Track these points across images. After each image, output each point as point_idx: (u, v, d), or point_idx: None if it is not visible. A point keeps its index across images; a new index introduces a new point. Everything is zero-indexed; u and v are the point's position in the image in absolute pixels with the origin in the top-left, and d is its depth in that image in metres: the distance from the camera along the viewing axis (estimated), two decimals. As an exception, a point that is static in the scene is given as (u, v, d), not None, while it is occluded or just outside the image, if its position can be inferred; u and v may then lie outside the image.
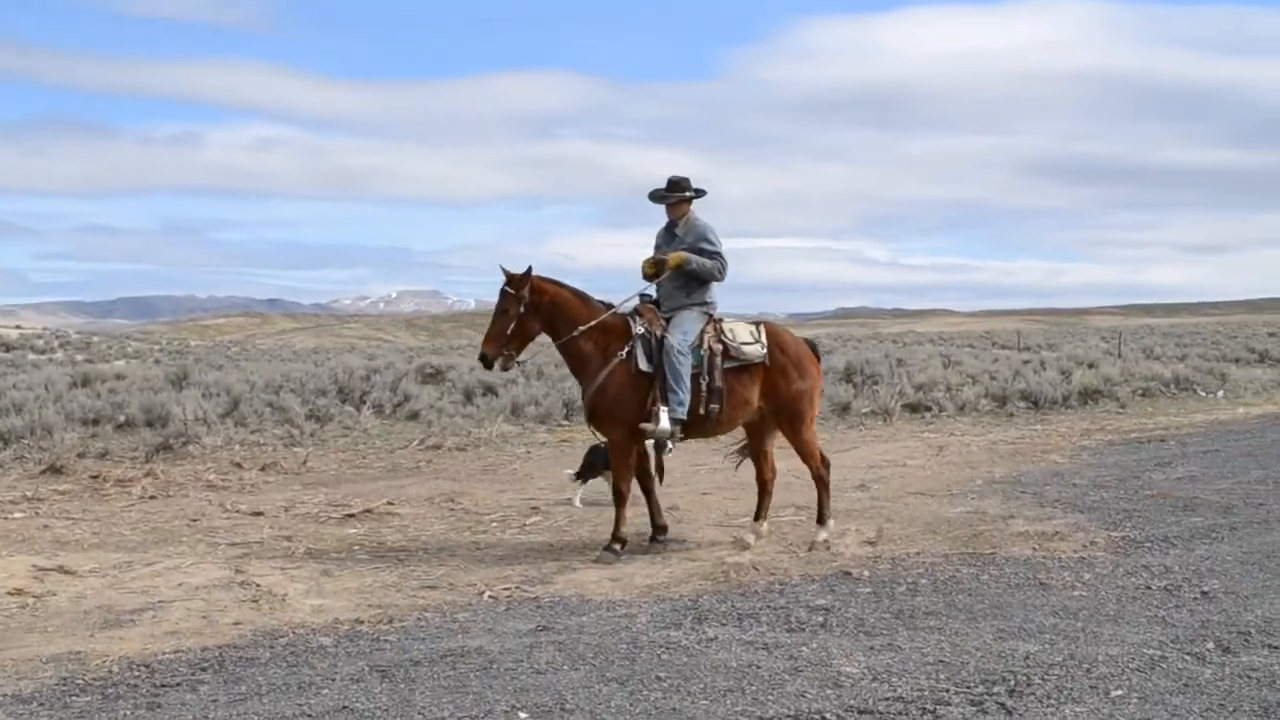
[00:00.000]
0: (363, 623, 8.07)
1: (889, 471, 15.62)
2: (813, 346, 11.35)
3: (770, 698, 6.34)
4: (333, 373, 25.29)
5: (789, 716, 6.05)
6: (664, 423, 10.27)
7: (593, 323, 10.55)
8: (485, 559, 10.27)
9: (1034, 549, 10.35)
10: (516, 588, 9.10)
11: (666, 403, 10.30)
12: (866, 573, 9.51)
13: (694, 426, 10.55)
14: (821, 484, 11.07)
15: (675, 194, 10.94)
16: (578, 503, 12.97)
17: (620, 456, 10.59)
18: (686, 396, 10.33)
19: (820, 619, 8.01)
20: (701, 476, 15.25)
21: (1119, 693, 6.39)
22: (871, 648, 7.30)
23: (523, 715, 6.09)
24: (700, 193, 10.97)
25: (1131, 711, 6.08)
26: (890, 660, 7.02)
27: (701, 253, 10.68)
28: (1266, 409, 26.28)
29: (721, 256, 10.76)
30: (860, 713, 6.09)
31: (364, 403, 22.74)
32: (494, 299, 10.68)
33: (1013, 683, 6.54)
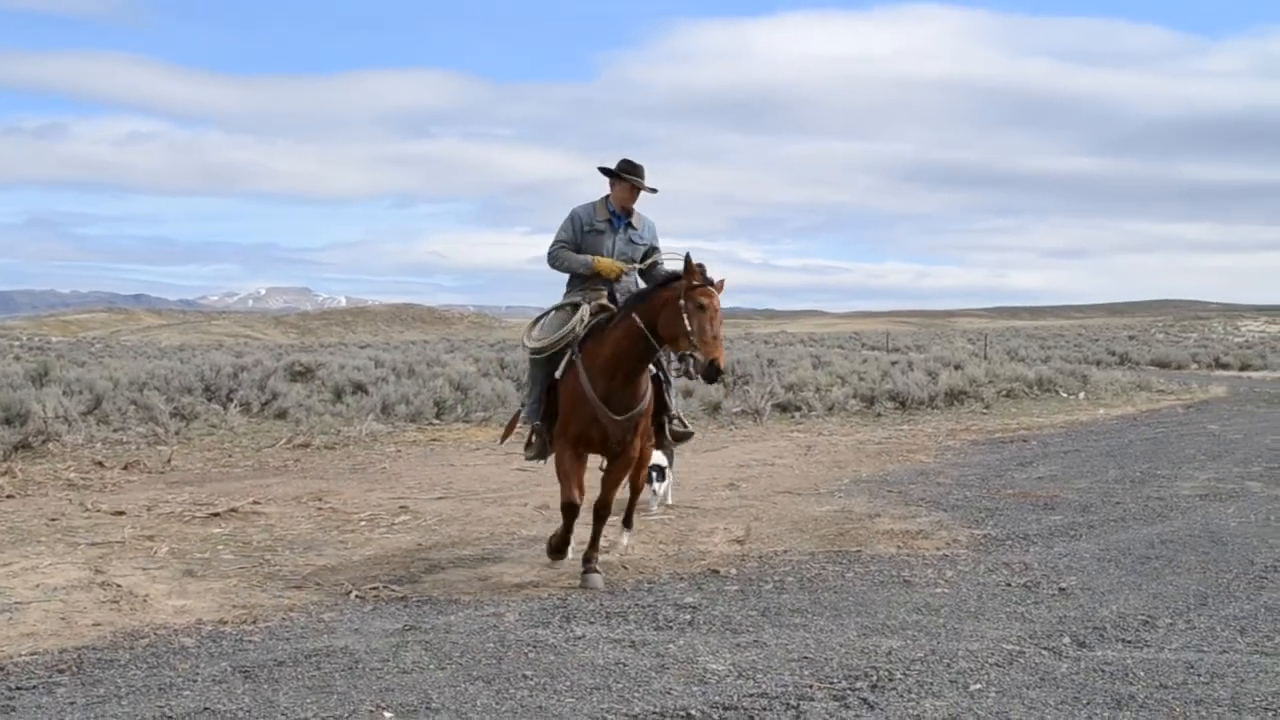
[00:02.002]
0: (226, 623, 7.95)
1: (758, 471, 15.76)
2: None
3: (636, 695, 6.37)
4: (199, 370, 24.93)
5: (655, 714, 6.07)
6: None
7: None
8: (353, 558, 10.17)
9: (898, 547, 10.52)
10: (384, 587, 9.03)
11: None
12: (734, 571, 9.59)
13: None
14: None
15: (639, 178, 9.75)
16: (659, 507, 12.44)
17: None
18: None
19: (688, 617, 8.06)
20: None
21: (978, 687, 6.51)
22: (738, 645, 7.36)
23: (387, 715, 6.05)
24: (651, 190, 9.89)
25: (989, 705, 6.19)
26: (756, 657, 7.08)
27: (654, 256, 9.88)
28: (1125, 410, 26.95)
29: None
30: (725, 709, 6.14)
31: (231, 400, 22.44)
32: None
33: (875, 678, 6.63)
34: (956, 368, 31.49)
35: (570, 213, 9.91)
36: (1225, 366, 57.57)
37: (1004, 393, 28.59)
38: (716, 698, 6.31)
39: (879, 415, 24.25)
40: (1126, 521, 11.81)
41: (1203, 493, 13.79)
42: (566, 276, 9.97)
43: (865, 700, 6.26)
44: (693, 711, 6.09)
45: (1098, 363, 50.62)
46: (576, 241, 9.82)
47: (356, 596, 8.76)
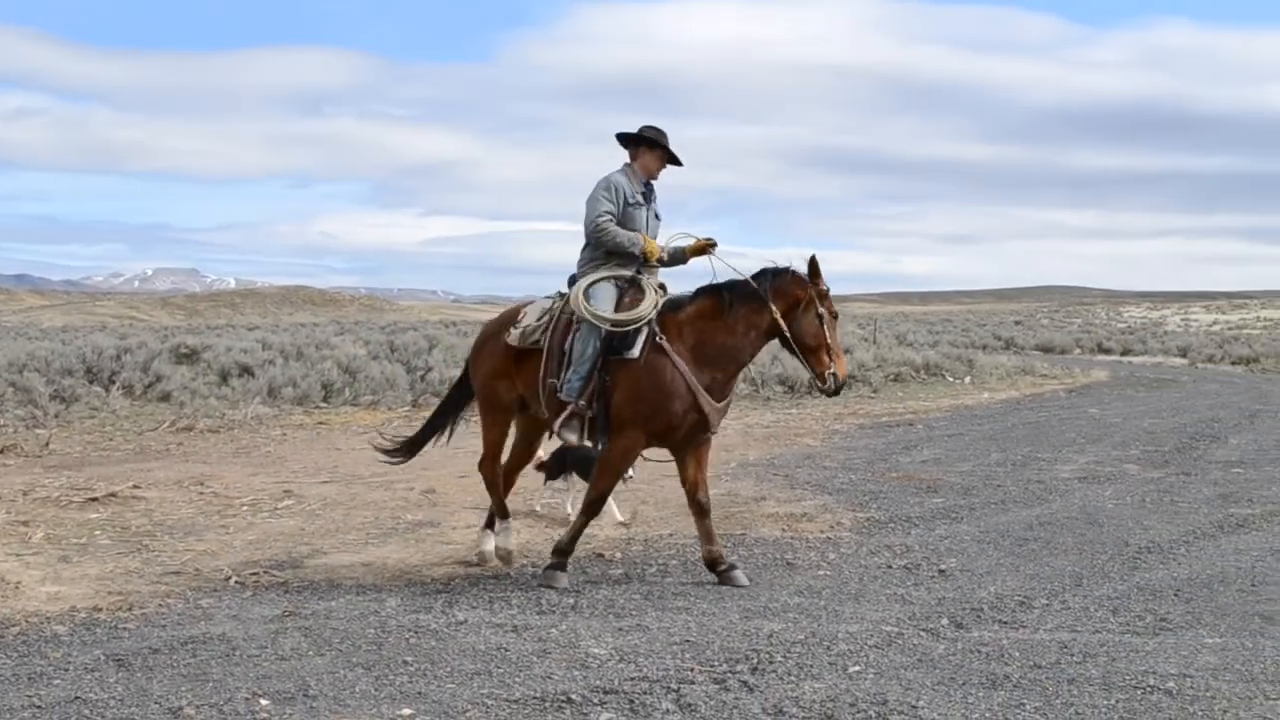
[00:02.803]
0: (101, 610, 7.81)
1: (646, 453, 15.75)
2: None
3: (517, 680, 6.35)
4: (80, 352, 24.43)
5: (535, 698, 6.06)
6: None
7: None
8: (234, 544, 10.04)
9: (783, 530, 10.60)
10: (265, 572, 8.92)
11: None
12: (619, 555, 9.62)
13: None
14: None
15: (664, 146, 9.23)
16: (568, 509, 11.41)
17: None
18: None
19: (571, 601, 8.07)
20: (461, 459, 15.16)
21: (856, 668, 6.58)
22: (620, 629, 7.37)
23: (264, 702, 5.97)
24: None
25: (867, 687, 6.25)
26: (638, 641, 7.10)
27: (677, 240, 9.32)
28: (1009, 394, 27.39)
29: None
30: (606, 693, 6.14)
31: (113, 383, 22.05)
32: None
33: (755, 661, 6.68)
34: (846, 352, 31.74)
35: (608, 181, 9.10)
36: (1107, 351, 58.76)
37: (892, 377, 28.91)
38: (597, 681, 6.31)
39: (767, 400, 24.41)
40: (1007, 504, 12.00)
41: (1081, 475, 14.06)
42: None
43: (745, 683, 6.30)
44: (573, 695, 6.08)
45: (984, 348, 51.38)
46: (618, 215, 9.01)
47: (236, 582, 8.64)
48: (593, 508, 8.89)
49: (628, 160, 9.27)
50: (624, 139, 9.27)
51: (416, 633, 7.24)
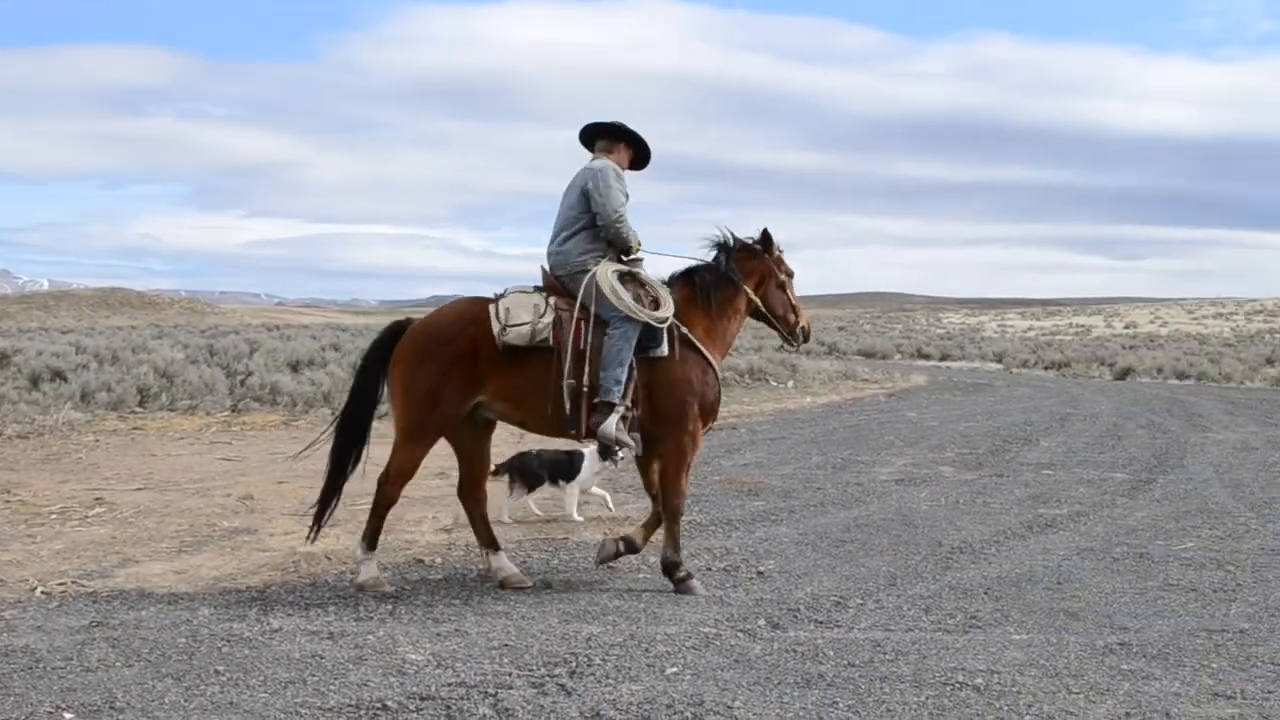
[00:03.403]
0: (-103, 623, 7.52)
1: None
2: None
3: (332, 688, 6.26)
4: (-120, 356, 23.52)
5: (350, 706, 5.98)
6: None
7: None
8: (41, 553, 9.72)
9: (605, 533, 10.61)
10: (72, 582, 8.67)
11: None
12: (439, 560, 9.55)
13: None
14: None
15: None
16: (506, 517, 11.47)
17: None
18: None
19: (389, 607, 7.98)
20: (280, 465, 14.93)
21: (674, 670, 6.62)
22: (439, 634, 7.31)
23: (68, 716, 5.80)
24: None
25: (684, 688, 6.30)
26: (456, 646, 7.05)
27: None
28: (831, 398, 27.85)
29: None
30: (423, 699, 6.08)
31: (-85, 388, 21.24)
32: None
33: (574, 664, 6.68)
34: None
35: (618, 171, 8.91)
36: (927, 357, 60.12)
37: (716, 381, 29.13)
38: (414, 688, 6.25)
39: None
40: (826, 506, 12.19)
41: (898, 478, 14.34)
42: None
43: (563, 686, 6.29)
44: (389, 703, 6.01)
45: (807, 353, 52.13)
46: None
47: (42, 593, 8.38)
48: (678, 509, 8.80)
49: (604, 153, 9.06)
50: (605, 131, 9.13)
51: (229, 641, 7.09)
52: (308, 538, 9.07)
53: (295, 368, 27.07)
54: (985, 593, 8.53)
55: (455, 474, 13.90)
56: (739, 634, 7.38)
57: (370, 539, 8.77)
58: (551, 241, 8.95)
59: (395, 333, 8.90)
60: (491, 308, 8.56)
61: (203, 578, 8.95)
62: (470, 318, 8.63)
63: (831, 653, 6.97)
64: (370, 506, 8.91)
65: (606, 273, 8.61)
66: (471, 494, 9.12)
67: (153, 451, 16.21)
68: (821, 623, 7.69)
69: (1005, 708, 6.03)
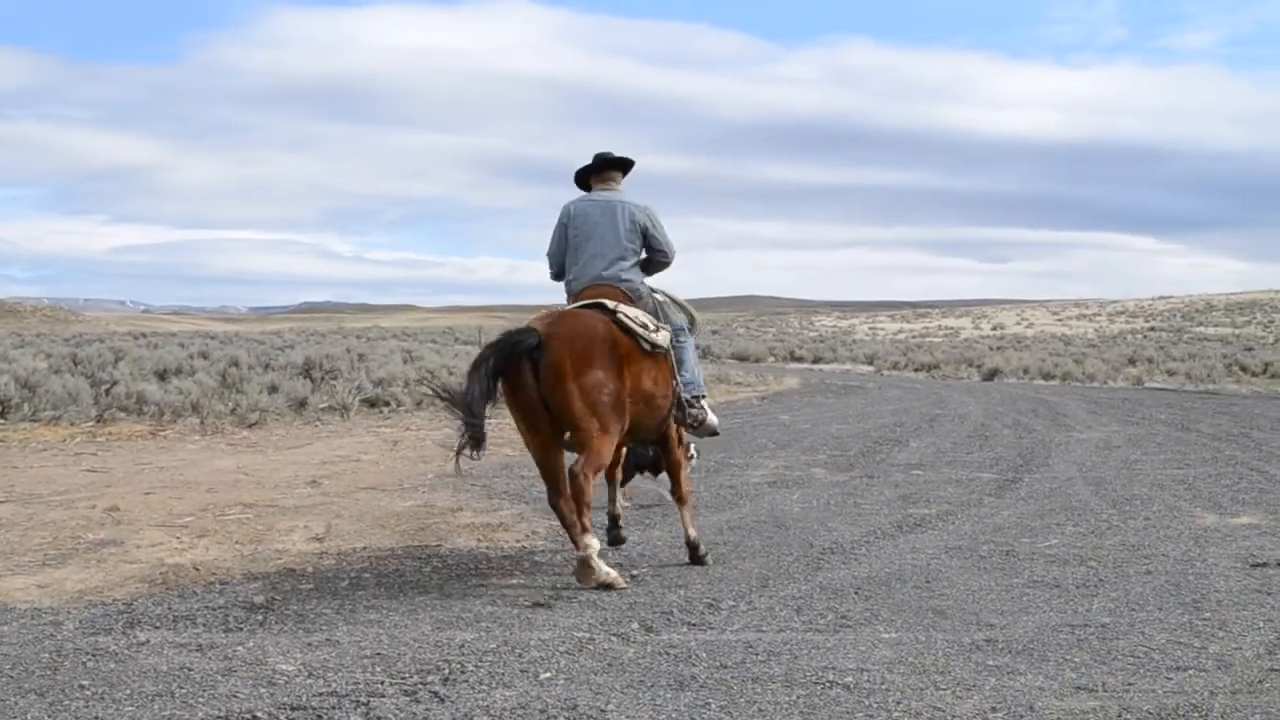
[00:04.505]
0: None
1: (342, 467, 15.58)
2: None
3: (200, 700, 6.17)
4: None
5: (219, 718, 5.90)
6: None
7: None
8: (-103, 569, 9.47)
9: (479, 540, 10.60)
10: (-70, 598, 8.46)
11: None
12: (310, 568, 9.45)
13: None
14: None
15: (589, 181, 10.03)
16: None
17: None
18: None
19: (260, 617, 7.88)
20: (147, 475, 14.69)
21: (547, 675, 6.62)
22: (310, 644, 7.24)
23: (-75, 734, 5.67)
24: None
25: (558, 692, 6.30)
26: (328, 655, 6.99)
27: None
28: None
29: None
30: (294, 709, 6.02)
31: None
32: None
33: (447, 671, 6.65)
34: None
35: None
36: (800, 360, 60.74)
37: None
38: (285, 698, 6.19)
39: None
40: (699, 509, 12.23)
41: (771, 480, 14.48)
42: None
43: (436, 694, 6.27)
44: (259, 713, 5.94)
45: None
46: None
47: (-102, 609, 8.17)
48: (689, 494, 10.01)
49: (615, 184, 9.95)
50: (621, 163, 9.99)
51: (95, 655, 6.96)
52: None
53: (163, 376, 26.64)
54: (855, 592, 8.65)
55: (328, 483, 13.84)
56: (612, 638, 7.40)
57: (586, 530, 8.85)
58: (608, 267, 9.60)
59: (527, 344, 8.88)
60: (617, 317, 9.18)
61: (67, 591, 8.76)
62: (608, 324, 9.11)
63: (704, 655, 7.01)
64: (573, 504, 8.86)
65: (658, 289, 9.94)
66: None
67: (14, 463, 15.84)
68: (694, 625, 7.74)
69: (875, 705, 6.12)
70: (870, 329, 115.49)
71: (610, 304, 9.30)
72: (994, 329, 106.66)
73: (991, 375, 43.70)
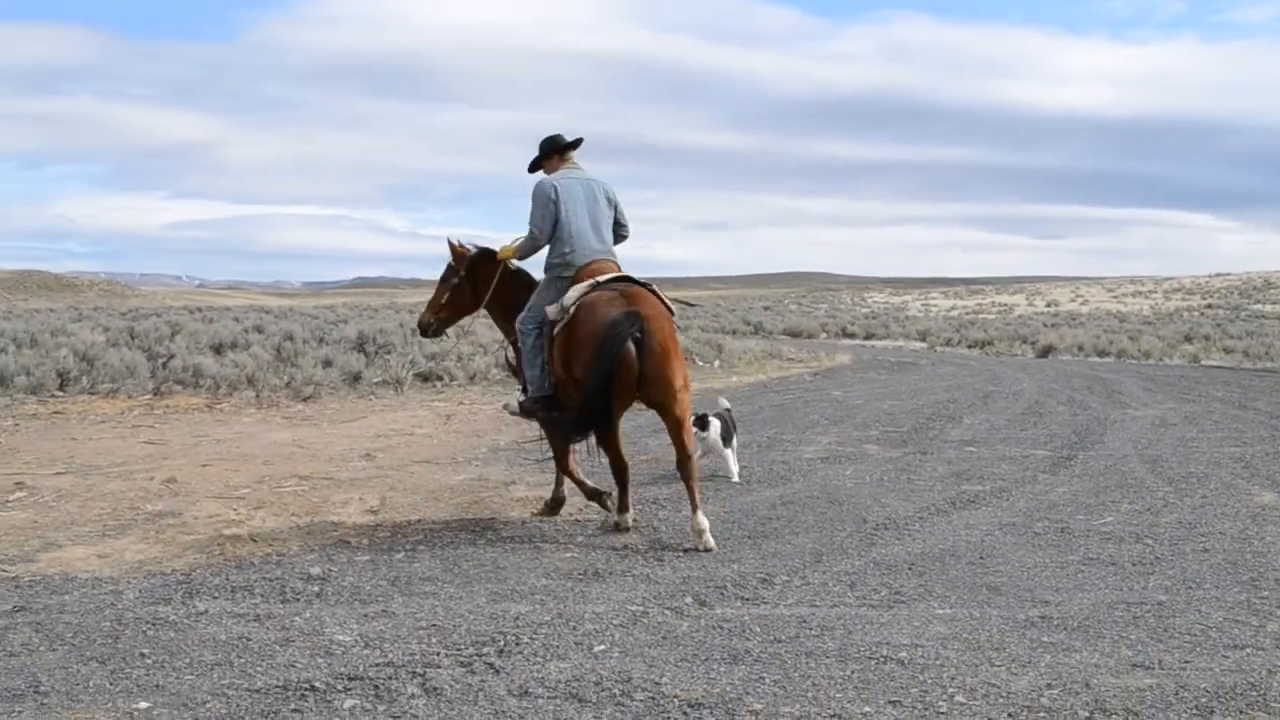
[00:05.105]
0: None
1: (396, 440, 15.66)
2: (612, 329, 9.28)
3: (259, 669, 6.25)
4: None
5: (277, 687, 5.97)
6: (511, 401, 10.42)
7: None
8: (-40, 538, 9.62)
9: (532, 513, 10.64)
10: (-7, 567, 8.58)
11: (521, 380, 10.29)
12: (366, 541, 9.51)
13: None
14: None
15: (539, 156, 10.44)
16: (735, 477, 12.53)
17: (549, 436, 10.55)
18: (530, 372, 9.99)
19: (316, 589, 7.96)
20: (204, 448, 14.83)
21: (601, 648, 6.65)
22: (366, 615, 7.31)
23: (-9, 700, 5.77)
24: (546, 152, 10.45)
25: (612, 665, 6.33)
26: (384, 626, 7.05)
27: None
28: (757, 378, 27.97)
29: (530, 220, 10.12)
30: (350, 679, 6.09)
31: None
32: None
33: (502, 643, 6.70)
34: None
35: None
36: (852, 336, 60.54)
37: (643, 362, 29.20)
38: (342, 668, 6.26)
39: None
40: (751, 484, 12.26)
41: (824, 456, 14.44)
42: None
43: (491, 665, 6.32)
44: (317, 684, 6.01)
45: (733, 332, 52.39)
46: None
47: (-38, 578, 8.29)
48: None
49: (573, 163, 10.38)
50: (574, 145, 10.42)
51: (155, 624, 7.06)
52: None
53: (218, 350, 26.86)
54: (909, 568, 8.63)
55: (382, 456, 13.92)
56: (666, 611, 7.43)
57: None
58: (599, 241, 10.15)
59: (634, 333, 9.34)
60: (663, 296, 9.91)
61: (127, 561, 8.87)
62: (664, 302, 9.86)
63: (758, 629, 7.03)
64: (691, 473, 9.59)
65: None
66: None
67: (74, 435, 16.03)
68: (748, 599, 7.75)
69: (929, 680, 6.11)
70: (923, 305, 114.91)
71: (641, 280, 9.89)
72: (1048, 306, 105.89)
73: (1046, 352, 43.39)
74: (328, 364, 23.94)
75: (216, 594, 7.82)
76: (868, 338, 58.98)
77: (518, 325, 10.11)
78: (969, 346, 49.36)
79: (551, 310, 9.72)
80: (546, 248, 10.11)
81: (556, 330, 9.66)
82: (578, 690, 5.93)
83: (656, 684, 6.03)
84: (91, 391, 21.09)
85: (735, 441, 12.76)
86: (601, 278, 9.75)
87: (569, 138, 10.42)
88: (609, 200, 10.30)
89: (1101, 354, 41.78)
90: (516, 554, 9.08)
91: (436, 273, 10.99)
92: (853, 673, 6.23)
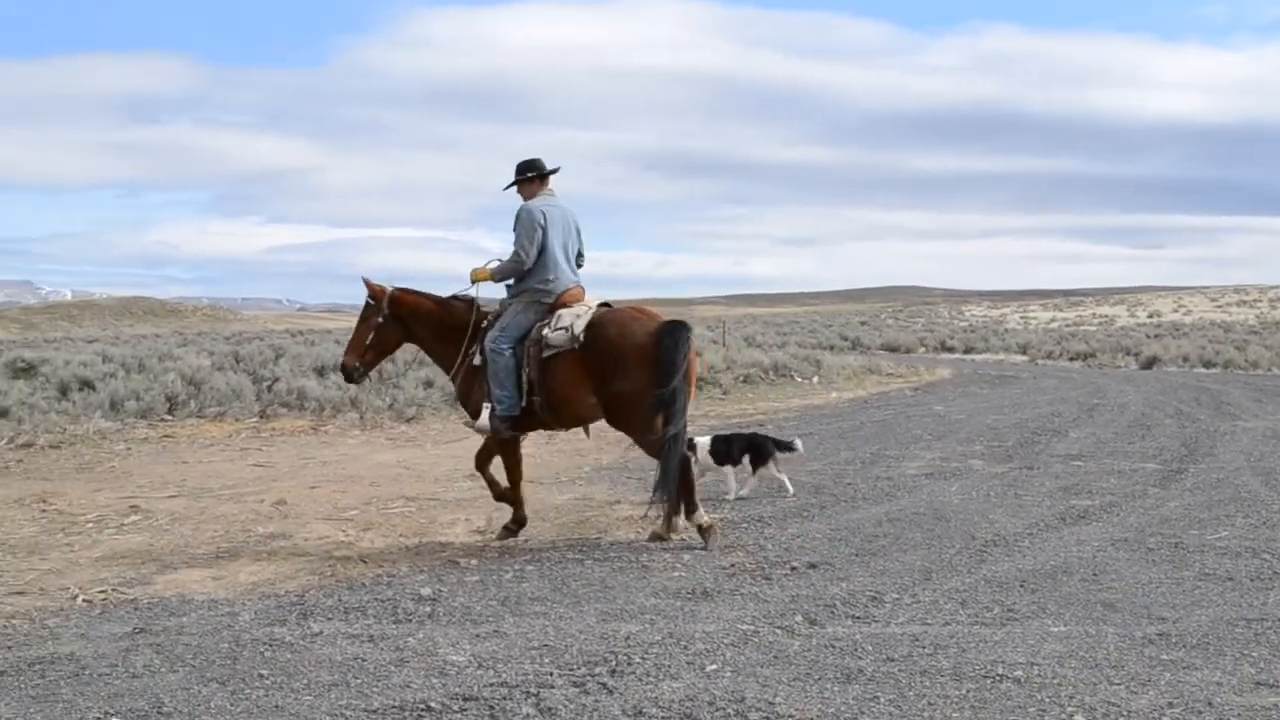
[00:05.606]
0: (-58, 633, 7.59)
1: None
2: (670, 337, 10.01)
3: (375, 690, 6.31)
4: (-89, 368, 23.66)
5: (394, 708, 6.03)
6: (482, 419, 10.28)
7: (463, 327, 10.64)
8: (79, 561, 9.81)
9: (637, 533, 10.65)
10: (113, 590, 8.74)
11: (488, 399, 10.24)
12: (475, 561, 9.57)
13: (529, 422, 10.44)
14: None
15: (517, 177, 10.66)
16: (744, 492, 12.61)
17: (500, 453, 10.74)
18: (502, 392, 10.11)
19: (428, 609, 8.02)
20: (311, 470, 15.01)
21: (714, 667, 6.65)
22: (478, 635, 7.35)
23: (116, 721, 5.87)
24: (528, 175, 10.67)
25: (725, 684, 6.32)
26: (496, 647, 7.09)
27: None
28: (856, 393, 27.81)
29: (518, 243, 10.33)
30: (466, 700, 6.13)
31: (-53, 400, 21.35)
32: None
33: (614, 663, 6.71)
34: (695, 354, 32.03)
35: None
36: (950, 350, 60.02)
37: (741, 379, 29.19)
38: (457, 689, 6.30)
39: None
40: (856, 501, 12.19)
41: (928, 472, 14.33)
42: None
43: (604, 685, 6.33)
44: (432, 704, 6.06)
45: (831, 348, 52.17)
46: None
47: (83, 600, 8.45)
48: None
49: (547, 190, 10.65)
50: (543, 173, 10.63)
51: (271, 646, 7.15)
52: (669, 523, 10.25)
53: (320, 372, 27.16)
54: (1021, 585, 8.53)
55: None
56: (777, 630, 7.40)
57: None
58: (570, 267, 10.55)
59: (685, 329, 10.29)
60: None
61: (241, 583, 9.00)
62: None
63: (870, 648, 6.98)
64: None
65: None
66: None
67: (184, 459, 16.31)
68: (858, 618, 7.70)
69: (1047, 699, 6.04)
70: (1022, 318, 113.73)
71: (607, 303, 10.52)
72: (1150, 316, 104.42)
73: (1150, 363, 42.74)
74: (429, 385, 24.12)
75: (330, 615, 7.91)
76: (967, 351, 58.46)
77: (489, 345, 10.21)
78: (1071, 359, 48.77)
79: (557, 337, 10.02)
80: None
81: (557, 354, 10.06)
82: (692, 710, 5.93)
83: (770, 704, 6.01)
84: (199, 415, 21.42)
85: (775, 463, 12.73)
86: (588, 303, 10.37)
87: (548, 165, 10.68)
88: (578, 230, 10.67)
89: (1207, 365, 41.11)
90: (624, 573, 9.09)
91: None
92: (968, 692, 6.17)
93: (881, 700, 6.06)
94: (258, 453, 16.89)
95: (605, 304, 10.47)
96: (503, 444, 10.61)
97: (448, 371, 10.82)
